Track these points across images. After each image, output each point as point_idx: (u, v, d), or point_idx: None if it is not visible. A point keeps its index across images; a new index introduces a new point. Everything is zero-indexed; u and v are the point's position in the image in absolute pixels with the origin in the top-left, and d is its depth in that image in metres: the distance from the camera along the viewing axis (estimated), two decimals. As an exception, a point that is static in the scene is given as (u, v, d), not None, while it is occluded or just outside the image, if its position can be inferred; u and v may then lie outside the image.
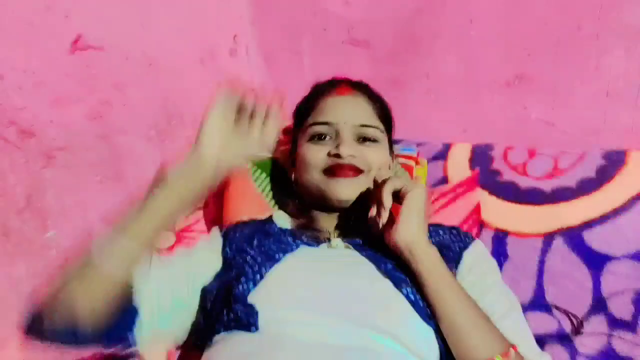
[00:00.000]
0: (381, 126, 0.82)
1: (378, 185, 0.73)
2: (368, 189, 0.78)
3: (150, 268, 0.66)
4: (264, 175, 1.05)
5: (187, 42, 1.23)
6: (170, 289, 0.69)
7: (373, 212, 0.73)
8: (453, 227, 0.83)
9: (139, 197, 0.66)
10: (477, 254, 0.78)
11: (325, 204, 0.80)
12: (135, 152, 1.08)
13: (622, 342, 0.74)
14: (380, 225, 0.71)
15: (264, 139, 0.66)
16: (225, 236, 0.80)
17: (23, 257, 0.85)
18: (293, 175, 0.87)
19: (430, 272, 0.67)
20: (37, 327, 0.58)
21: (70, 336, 0.57)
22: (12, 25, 0.82)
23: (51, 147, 0.90)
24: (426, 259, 0.67)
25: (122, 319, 0.62)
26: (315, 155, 0.78)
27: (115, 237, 0.61)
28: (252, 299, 0.65)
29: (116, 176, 1.04)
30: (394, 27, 1.23)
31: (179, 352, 0.83)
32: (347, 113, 0.79)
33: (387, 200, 0.70)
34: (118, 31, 1.02)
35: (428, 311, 0.66)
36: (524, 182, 0.95)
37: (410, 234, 0.68)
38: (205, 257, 0.77)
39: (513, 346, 0.62)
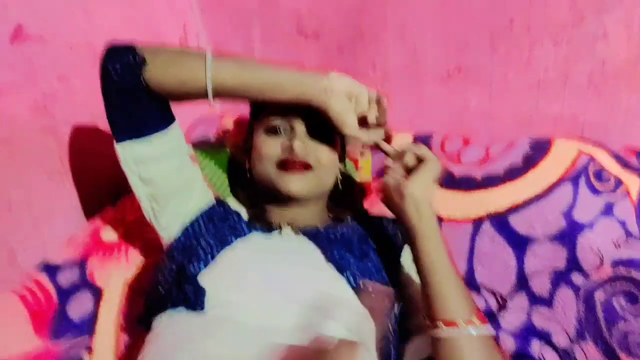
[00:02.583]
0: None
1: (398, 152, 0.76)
2: (319, 184, 0.82)
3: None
4: (212, 162, 1.06)
5: (134, 31, 1.22)
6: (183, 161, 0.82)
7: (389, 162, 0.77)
8: (394, 219, 0.88)
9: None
10: None
11: (277, 196, 0.82)
12: (83, 144, 1.08)
13: (540, 317, 0.81)
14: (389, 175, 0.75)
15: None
16: (201, 214, 0.83)
17: (-33, 253, 0.85)
18: (247, 165, 0.90)
19: (430, 230, 0.70)
20: (116, 50, 0.73)
21: (125, 72, 0.71)
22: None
23: (-7, 140, 0.89)
24: (429, 218, 0.70)
25: (165, 116, 0.77)
26: (269, 148, 0.81)
27: (226, 61, 0.74)
28: (201, 279, 0.68)
29: (63, 169, 1.04)
30: (341, 19, 1.25)
31: (128, 338, 0.86)
32: (302, 108, 0.79)
33: (409, 158, 0.74)
34: (60, 21, 1.01)
35: None
36: (458, 170, 1.00)
37: (422, 192, 0.70)
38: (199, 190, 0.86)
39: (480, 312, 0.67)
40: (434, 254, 0.69)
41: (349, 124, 0.76)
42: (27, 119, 0.96)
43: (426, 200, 0.71)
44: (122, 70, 0.71)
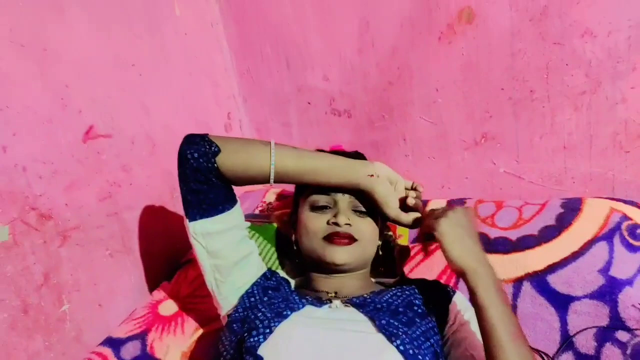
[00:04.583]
0: None
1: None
2: (362, 254, 0.89)
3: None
4: (260, 236, 1.14)
5: (185, 122, 1.37)
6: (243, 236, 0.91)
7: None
8: (434, 282, 0.92)
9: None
10: (460, 305, 0.86)
11: (323, 266, 0.89)
12: (142, 226, 1.19)
13: (589, 377, 0.81)
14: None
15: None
16: (255, 284, 0.90)
17: (40, 331, 0.93)
18: (293, 238, 0.97)
19: (487, 292, 0.73)
20: (193, 139, 0.83)
21: (202, 158, 0.81)
22: (33, 123, 0.95)
23: (66, 227, 1.00)
24: (479, 282, 0.74)
25: (230, 197, 0.86)
26: (315, 224, 0.89)
27: (287, 149, 0.85)
28: (261, 351, 0.73)
29: (125, 249, 1.14)
30: (370, 97, 1.36)
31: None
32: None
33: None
34: (125, 119, 1.15)
35: (419, 358, 0.73)
36: (493, 233, 1.03)
37: (460, 264, 0.76)
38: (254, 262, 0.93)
39: None
40: (489, 309, 0.71)
41: (392, 206, 0.88)
42: (94, 207, 1.07)
43: (467, 267, 0.75)
44: (199, 157, 0.81)
